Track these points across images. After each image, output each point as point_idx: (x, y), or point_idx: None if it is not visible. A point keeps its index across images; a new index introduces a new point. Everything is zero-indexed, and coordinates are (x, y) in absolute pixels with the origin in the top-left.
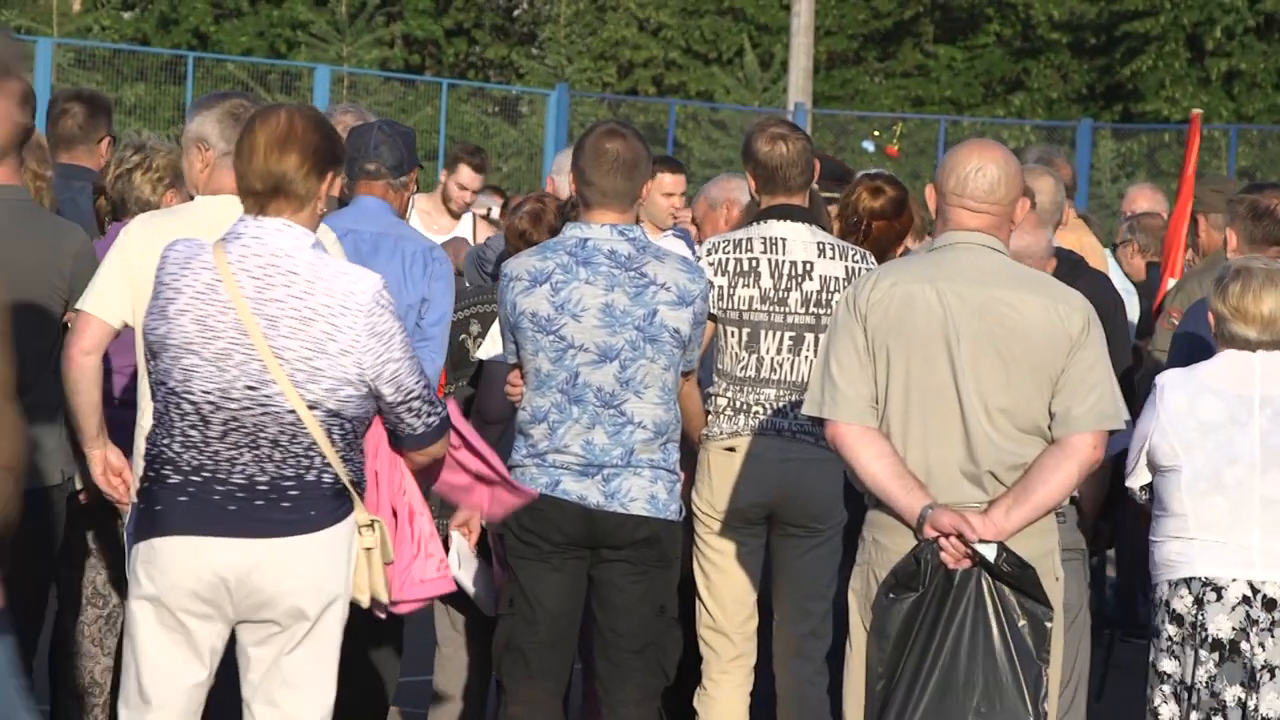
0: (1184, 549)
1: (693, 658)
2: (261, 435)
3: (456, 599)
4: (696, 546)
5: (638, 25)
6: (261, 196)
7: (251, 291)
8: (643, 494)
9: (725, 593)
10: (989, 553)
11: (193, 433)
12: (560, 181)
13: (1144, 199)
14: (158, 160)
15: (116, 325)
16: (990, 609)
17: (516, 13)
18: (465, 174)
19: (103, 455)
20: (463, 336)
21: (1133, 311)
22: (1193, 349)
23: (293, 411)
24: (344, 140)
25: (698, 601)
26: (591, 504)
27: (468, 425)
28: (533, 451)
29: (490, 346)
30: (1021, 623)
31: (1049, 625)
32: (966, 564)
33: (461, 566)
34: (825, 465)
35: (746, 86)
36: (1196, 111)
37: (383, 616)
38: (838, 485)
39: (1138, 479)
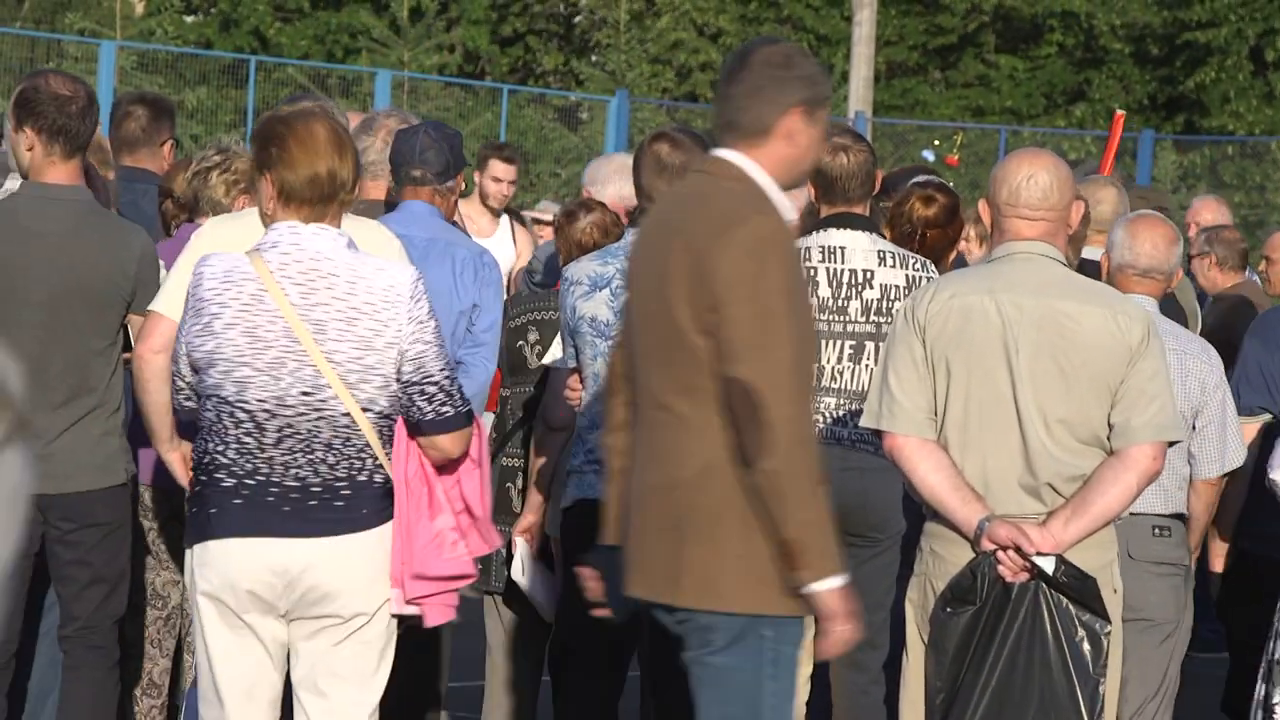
0: None
1: None
2: (316, 440)
3: (510, 603)
4: None
5: (696, 30)
6: (316, 204)
7: (297, 298)
8: None
9: None
10: (1047, 565)
11: (248, 440)
12: (594, 192)
13: (1209, 211)
14: (237, 164)
15: None
16: (1048, 622)
17: (577, 19)
18: (498, 168)
19: (179, 455)
20: (520, 343)
21: (1195, 325)
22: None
23: (347, 414)
24: (389, 144)
25: None
26: None
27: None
28: (591, 457)
29: (555, 351)
30: (1079, 635)
31: (1107, 639)
32: (1024, 577)
33: (524, 572)
34: (885, 475)
35: None
36: (1120, 112)
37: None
38: (897, 495)
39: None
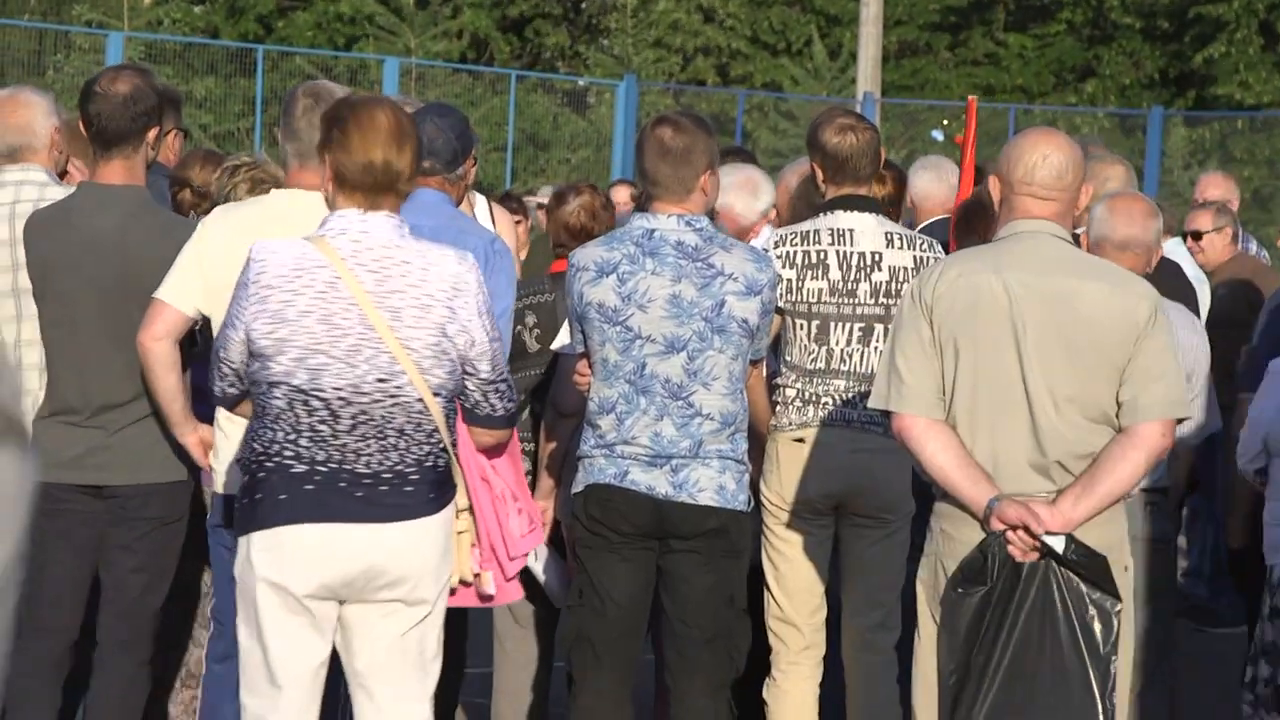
0: None
1: (762, 649)
2: (389, 425)
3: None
4: (765, 537)
5: (702, 15)
6: (371, 192)
7: (371, 285)
8: (711, 484)
9: (794, 583)
10: (1057, 544)
11: (322, 428)
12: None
13: (1215, 186)
14: (268, 169)
15: (189, 313)
16: (1059, 602)
17: (584, 4)
18: None
19: (197, 438)
20: (519, 328)
21: (1204, 298)
22: None
23: (420, 400)
24: None
25: (766, 592)
26: (660, 494)
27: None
28: (601, 442)
29: (563, 337)
30: (1091, 614)
31: (1118, 617)
32: (1034, 557)
33: (536, 558)
34: (894, 456)
35: (815, 77)
36: (972, 97)
37: (489, 593)
38: (906, 476)
39: (1251, 460)
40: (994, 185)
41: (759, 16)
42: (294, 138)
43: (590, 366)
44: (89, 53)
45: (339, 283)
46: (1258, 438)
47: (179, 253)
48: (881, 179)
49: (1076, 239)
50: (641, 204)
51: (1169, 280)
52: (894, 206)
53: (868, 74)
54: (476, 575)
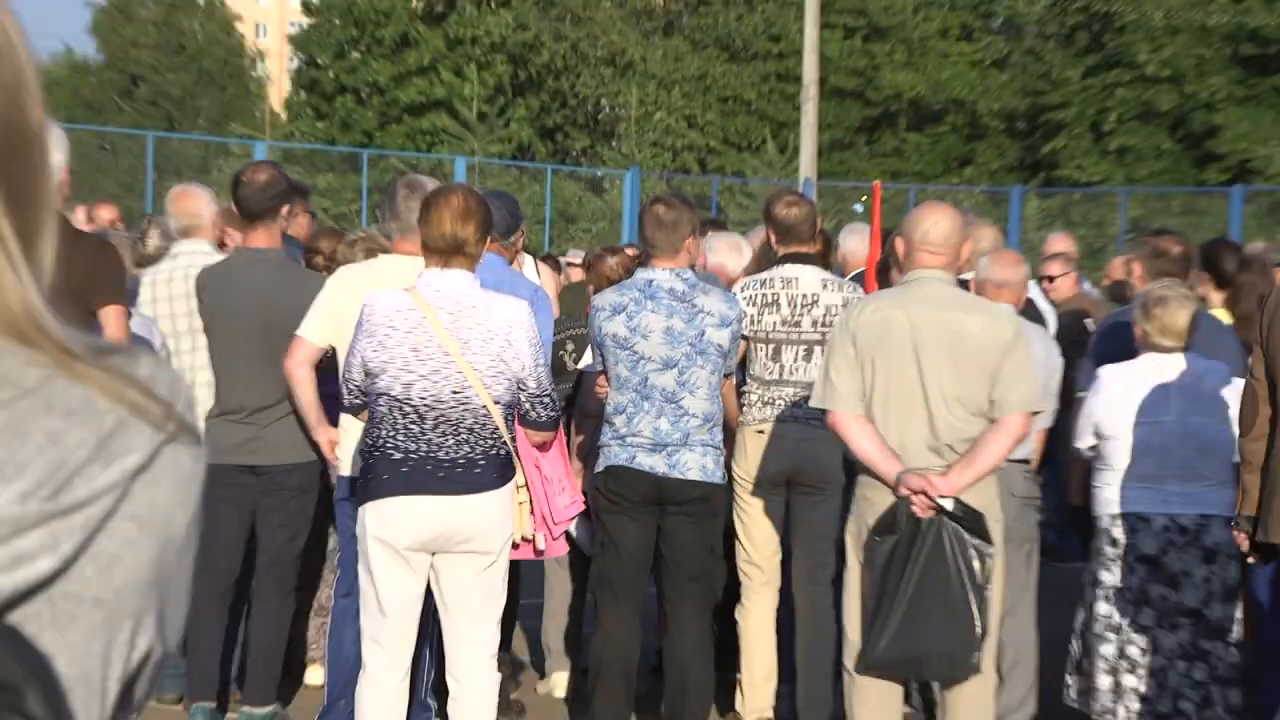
0: (1121, 493)
1: (734, 584)
2: (462, 425)
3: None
4: (735, 503)
5: (687, 122)
6: (446, 254)
7: (448, 323)
8: (696, 465)
9: (757, 536)
10: (947, 504)
11: (413, 427)
12: (708, 255)
13: (1060, 243)
14: (378, 240)
15: (322, 345)
16: (948, 546)
17: (600, 116)
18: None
19: (327, 438)
20: (561, 353)
21: (1052, 324)
22: (1108, 351)
23: (484, 407)
24: None
25: (737, 543)
26: (659, 473)
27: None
28: (615, 435)
29: (587, 358)
30: (972, 555)
31: (991, 558)
32: (931, 514)
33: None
34: (829, 443)
35: (769, 166)
36: (877, 182)
37: (540, 549)
38: (838, 457)
39: (1085, 441)
40: (898, 244)
41: (728, 124)
42: (396, 217)
43: (607, 380)
44: (241, 157)
45: (425, 321)
46: (1090, 425)
47: (307, 297)
48: (817, 241)
49: (965, 284)
50: (642, 260)
51: (1028, 311)
52: (826, 259)
53: (807, 164)
54: (532, 537)
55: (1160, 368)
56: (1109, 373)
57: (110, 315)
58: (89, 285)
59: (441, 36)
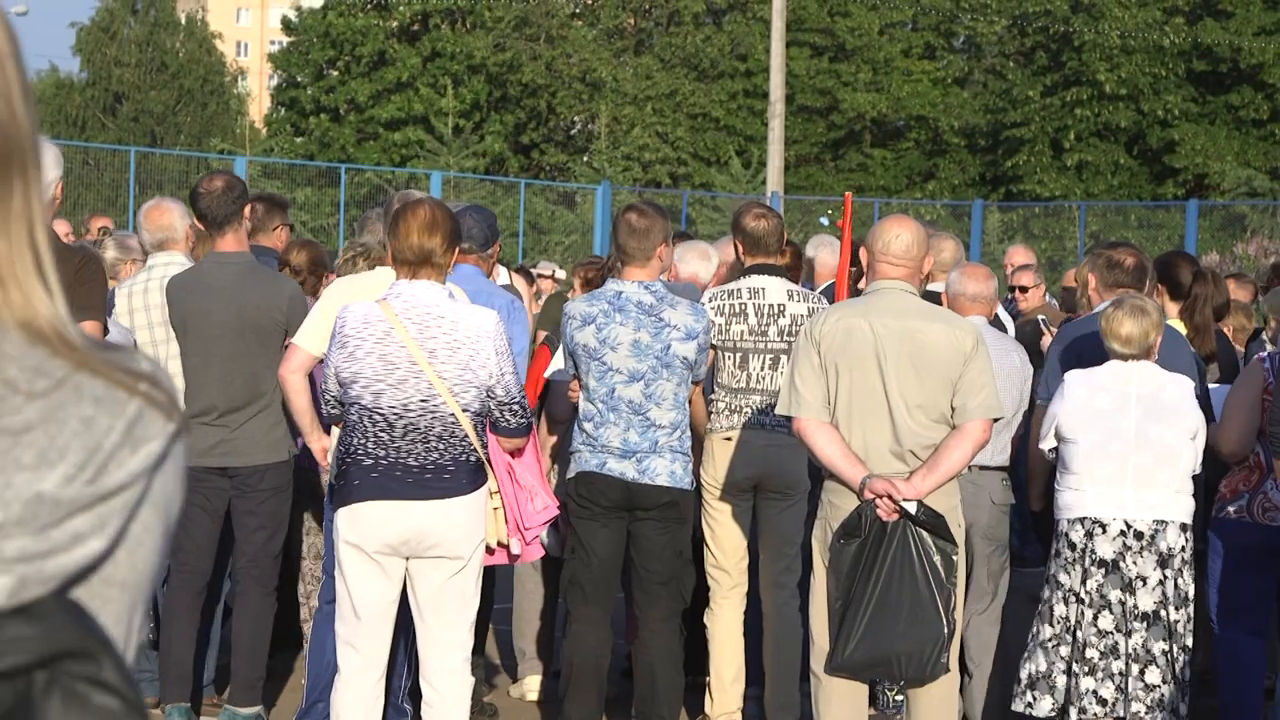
0: (1080, 498)
1: (703, 588)
2: (431, 433)
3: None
4: (703, 508)
5: (658, 137)
6: (414, 265)
7: (415, 333)
8: (665, 471)
9: (725, 541)
10: (911, 508)
11: (382, 435)
12: (679, 265)
13: (1020, 255)
14: (378, 253)
15: (317, 353)
16: (913, 548)
17: (573, 132)
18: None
19: (320, 445)
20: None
21: (1011, 332)
22: (1072, 357)
23: (452, 414)
24: None
25: (705, 547)
26: (629, 479)
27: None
28: (586, 440)
29: (557, 363)
30: (935, 557)
31: (955, 558)
32: (895, 517)
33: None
34: (795, 449)
35: (736, 180)
36: (848, 193)
37: (514, 554)
38: (804, 462)
39: (1047, 444)
40: (864, 255)
41: (697, 139)
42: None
43: (581, 387)
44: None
45: (393, 332)
46: (1051, 427)
47: (278, 299)
48: (784, 253)
49: (935, 296)
50: (613, 268)
51: (992, 321)
52: (793, 271)
53: (775, 178)
54: (507, 543)
55: (1122, 376)
56: (1074, 377)
57: (87, 330)
58: (70, 299)
59: (418, 55)
